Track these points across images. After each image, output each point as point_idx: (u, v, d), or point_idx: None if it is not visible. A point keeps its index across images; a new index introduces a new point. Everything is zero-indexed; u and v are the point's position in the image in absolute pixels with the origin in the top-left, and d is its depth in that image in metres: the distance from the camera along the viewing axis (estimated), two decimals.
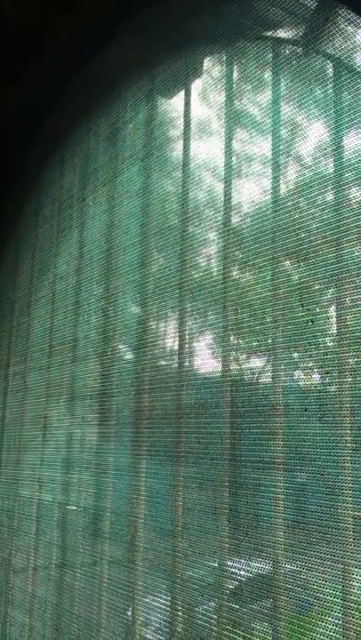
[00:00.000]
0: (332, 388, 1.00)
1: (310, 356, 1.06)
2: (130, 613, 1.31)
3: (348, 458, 0.93)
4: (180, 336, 1.32)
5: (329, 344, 1.03)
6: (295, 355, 1.09)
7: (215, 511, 1.14)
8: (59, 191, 1.91)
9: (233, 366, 1.20)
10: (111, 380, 1.50)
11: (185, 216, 1.36)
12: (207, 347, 1.29)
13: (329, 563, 0.92)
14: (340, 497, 0.93)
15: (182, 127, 1.43)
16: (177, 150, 1.44)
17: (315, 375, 1.06)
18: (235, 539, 1.09)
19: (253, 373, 1.18)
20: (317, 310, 1.07)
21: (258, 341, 1.16)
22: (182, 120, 1.43)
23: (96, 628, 1.39)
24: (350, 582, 0.90)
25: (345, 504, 0.92)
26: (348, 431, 0.95)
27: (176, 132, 1.46)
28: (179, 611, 1.19)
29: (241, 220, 1.25)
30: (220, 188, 1.31)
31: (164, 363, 1.38)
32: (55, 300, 1.82)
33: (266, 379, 1.13)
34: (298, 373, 1.09)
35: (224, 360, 1.20)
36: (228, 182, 1.28)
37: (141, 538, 1.31)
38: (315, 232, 1.08)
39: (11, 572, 1.78)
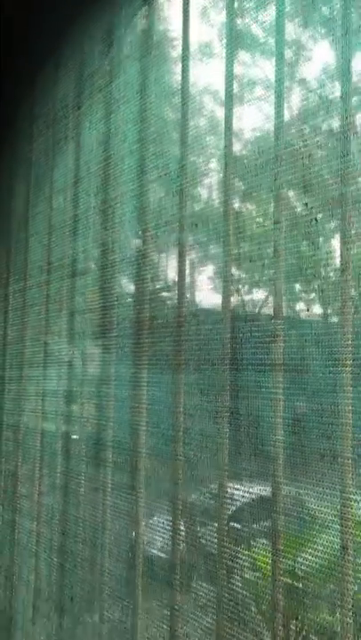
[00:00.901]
0: (335, 319, 0.99)
1: (312, 288, 1.04)
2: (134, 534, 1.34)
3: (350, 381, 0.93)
4: (179, 248, 1.30)
5: (331, 276, 1.01)
6: (297, 286, 1.08)
7: (216, 415, 1.15)
8: (53, 101, 1.84)
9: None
10: (112, 292, 1.49)
11: (184, 145, 1.30)
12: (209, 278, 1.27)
13: (329, 458, 0.94)
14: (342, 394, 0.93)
15: (180, 46, 1.35)
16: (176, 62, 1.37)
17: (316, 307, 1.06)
18: (236, 440, 1.11)
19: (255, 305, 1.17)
20: (320, 241, 1.04)
21: (259, 273, 1.14)
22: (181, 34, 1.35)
23: (101, 530, 1.44)
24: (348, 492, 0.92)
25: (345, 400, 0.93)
26: (349, 362, 0.94)
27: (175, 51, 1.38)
28: (180, 531, 1.21)
29: (243, 148, 1.20)
30: (220, 113, 1.24)
31: (165, 272, 1.36)
32: (53, 214, 1.79)
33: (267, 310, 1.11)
34: (299, 305, 1.08)
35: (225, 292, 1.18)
36: (228, 108, 1.22)
37: (143, 444, 1.34)
38: (319, 160, 1.03)
39: (18, 482, 1.83)
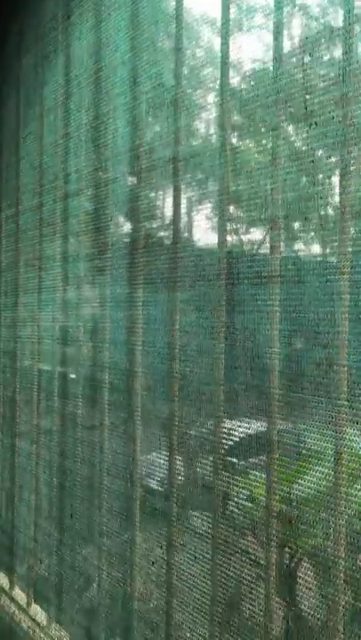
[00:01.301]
0: (333, 259, 0.95)
1: (311, 226, 1.01)
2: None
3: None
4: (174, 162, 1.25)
5: (330, 213, 0.97)
6: (296, 225, 1.04)
7: (212, 330, 1.14)
8: (42, 12, 1.74)
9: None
10: (105, 211, 1.46)
11: (179, 76, 1.23)
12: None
13: (324, 367, 0.93)
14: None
15: None
16: None
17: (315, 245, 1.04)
18: (232, 355, 1.10)
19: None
20: (320, 178, 1.00)
21: (257, 211, 1.11)
22: None
23: (99, 450, 1.45)
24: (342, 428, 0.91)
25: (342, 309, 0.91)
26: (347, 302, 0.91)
27: None
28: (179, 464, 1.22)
29: (241, 81, 1.14)
30: (217, 43, 1.16)
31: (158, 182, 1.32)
32: (44, 134, 1.72)
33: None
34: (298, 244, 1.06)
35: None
36: (225, 37, 1.14)
37: (139, 364, 1.33)
38: (320, 93, 0.97)
39: (17, 408, 1.85)
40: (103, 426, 1.44)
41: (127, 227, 1.41)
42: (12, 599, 1.93)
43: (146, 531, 1.30)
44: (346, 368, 0.89)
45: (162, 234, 1.31)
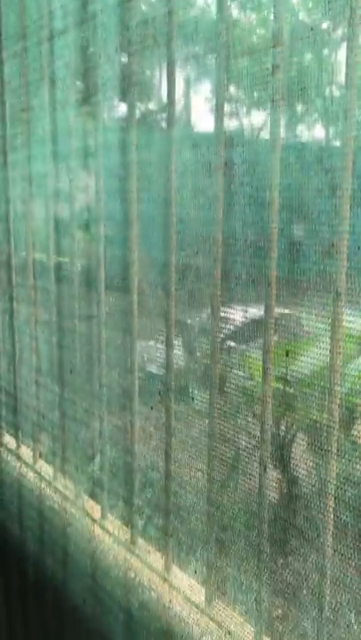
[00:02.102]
0: (336, 143, 0.89)
1: (314, 107, 0.94)
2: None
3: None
4: None
5: (335, 93, 0.89)
6: (298, 107, 0.96)
7: (210, 167, 1.08)
8: None
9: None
10: (95, 51, 1.34)
11: None
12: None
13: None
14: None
15: None
16: None
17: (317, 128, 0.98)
18: (230, 192, 1.05)
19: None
20: (325, 54, 0.90)
21: (258, 92, 1.00)
22: None
23: (96, 304, 1.44)
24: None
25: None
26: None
27: None
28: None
29: None
30: None
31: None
32: None
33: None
34: (300, 127, 0.99)
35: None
36: None
37: (134, 212, 1.28)
38: None
39: (12, 272, 1.82)
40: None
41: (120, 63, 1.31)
42: (19, 457, 2.00)
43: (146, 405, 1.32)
44: (345, 255, 0.86)
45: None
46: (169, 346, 1.24)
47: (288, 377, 1.05)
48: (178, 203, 1.15)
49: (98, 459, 1.55)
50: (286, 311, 1.05)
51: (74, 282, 1.52)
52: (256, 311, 1.05)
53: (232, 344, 1.16)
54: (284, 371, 1.04)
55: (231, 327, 1.13)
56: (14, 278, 1.83)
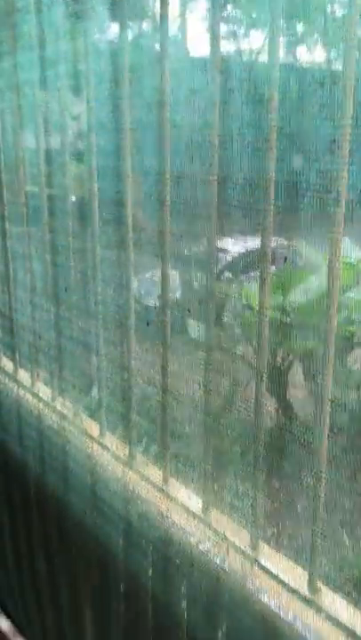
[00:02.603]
0: (337, 66, 0.83)
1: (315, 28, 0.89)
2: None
3: None
4: None
5: (338, 15, 0.85)
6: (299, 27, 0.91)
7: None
8: None
9: None
10: None
11: None
12: None
13: None
14: None
15: None
16: None
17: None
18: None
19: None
20: None
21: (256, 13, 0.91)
22: None
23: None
24: None
25: None
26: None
27: None
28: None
29: None
30: None
31: None
32: None
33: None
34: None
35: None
36: None
37: (126, 119, 1.22)
38: None
39: (3, 189, 1.77)
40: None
41: None
42: (17, 381, 2.00)
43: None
44: (345, 180, 0.83)
45: None
46: (165, 262, 1.22)
47: (286, 306, 1.04)
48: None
49: (95, 377, 1.55)
50: (284, 242, 1.03)
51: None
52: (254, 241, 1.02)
53: (230, 275, 1.14)
54: (282, 299, 1.03)
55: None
56: (5, 195, 1.78)
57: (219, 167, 1.01)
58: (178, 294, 1.29)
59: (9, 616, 2.38)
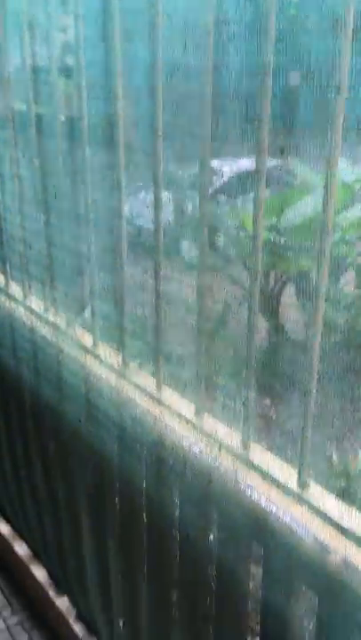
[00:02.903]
0: None
1: None
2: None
3: None
4: None
5: None
6: None
7: None
8: None
9: None
10: None
11: None
12: None
13: None
14: None
15: None
16: None
17: None
18: None
19: None
20: None
21: None
22: None
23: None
24: None
25: None
26: None
27: None
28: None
29: None
30: None
31: None
32: None
33: None
34: None
35: None
36: None
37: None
38: None
39: None
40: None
41: None
42: (9, 295, 1.99)
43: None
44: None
45: None
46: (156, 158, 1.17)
47: (280, 227, 1.03)
48: None
49: (88, 288, 1.53)
50: (279, 162, 0.99)
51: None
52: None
53: (223, 197, 1.10)
54: (276, 220, 1.02)
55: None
56: None
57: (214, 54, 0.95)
58: (171, 217, 1.26)
59: (9, 521, 2.47)
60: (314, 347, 0.99)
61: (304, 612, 1.11)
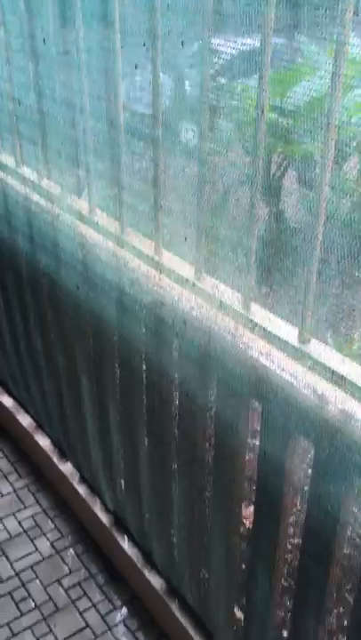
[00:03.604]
0: None
1: None
2: None
3: None
4: None
5: None
6: None
7: None
8: None
9: None
10: None
11: None
12: None
13: None
14: None
15: None
16: None
17: None
18: None
19: None
20: None
21: None
22: None
23: None
24: None
25: None
26: None
27: None
28: None
29: None
30: None
31: None
32: None
33: None
34: None
35: None
36: None
37: None
38: None
39: None
40: None
41: None
42: (1, 165, 1.90)
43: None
44: None
45: None
46: None
47: (284, 107, 0.97)
48: None
49: (82, 152, 1.45)
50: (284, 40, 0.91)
51: None
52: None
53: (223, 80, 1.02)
54: (280, 101, 0.96)
55: None
56: None
57: None
58: (169, 100, 1.17)
59: (11, 394, 2.53)
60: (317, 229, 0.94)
61: (301, 462, 1.14)
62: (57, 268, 1.64)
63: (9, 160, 1.86)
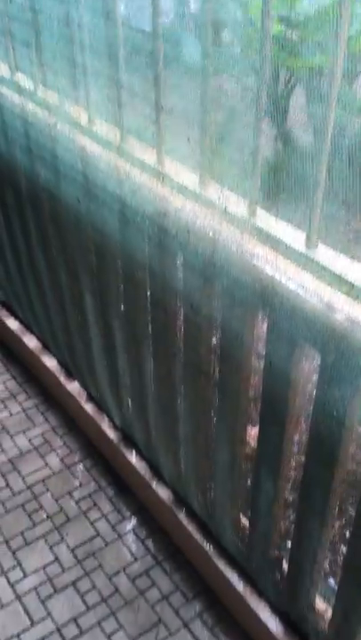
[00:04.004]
0: None
1: None
2: None
3: None
4: None
5: None
6: None
7: None
8: None
9: None
10: None
11: None
12: None
13: None
14: None
15: None
16: None
17: None
18: None
19: None
20: None
21: None
22: None
23: None
24: None
25: None
26: None
27: None
28: None
29: None
30: None
31: None
32: None
33: None
34: None
35: None
36: None
37: None
38: None
39: None
40: None
41: None
42: None
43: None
44: None
45: None
46: None
47: (291, 18, 0.91)
48: None
49: (80, 59, 1.37)
50: None
51: None
52: None
53: None
54: (288, 11, 0.90)
55: None
56: None
57: None
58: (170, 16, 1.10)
59: (17, 317, 2.53)
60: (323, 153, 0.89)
61: (307, 371, 1.13)
62: (56, 181, 1.59)
63: (3, 68, 1.78)
